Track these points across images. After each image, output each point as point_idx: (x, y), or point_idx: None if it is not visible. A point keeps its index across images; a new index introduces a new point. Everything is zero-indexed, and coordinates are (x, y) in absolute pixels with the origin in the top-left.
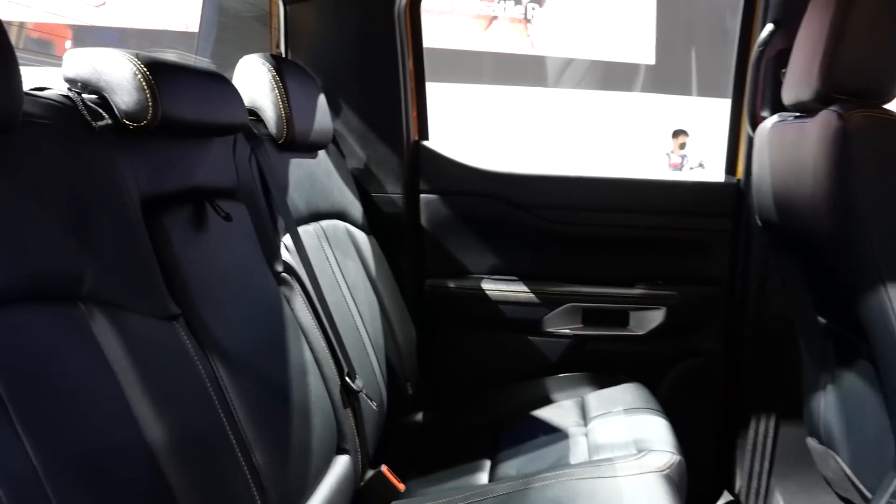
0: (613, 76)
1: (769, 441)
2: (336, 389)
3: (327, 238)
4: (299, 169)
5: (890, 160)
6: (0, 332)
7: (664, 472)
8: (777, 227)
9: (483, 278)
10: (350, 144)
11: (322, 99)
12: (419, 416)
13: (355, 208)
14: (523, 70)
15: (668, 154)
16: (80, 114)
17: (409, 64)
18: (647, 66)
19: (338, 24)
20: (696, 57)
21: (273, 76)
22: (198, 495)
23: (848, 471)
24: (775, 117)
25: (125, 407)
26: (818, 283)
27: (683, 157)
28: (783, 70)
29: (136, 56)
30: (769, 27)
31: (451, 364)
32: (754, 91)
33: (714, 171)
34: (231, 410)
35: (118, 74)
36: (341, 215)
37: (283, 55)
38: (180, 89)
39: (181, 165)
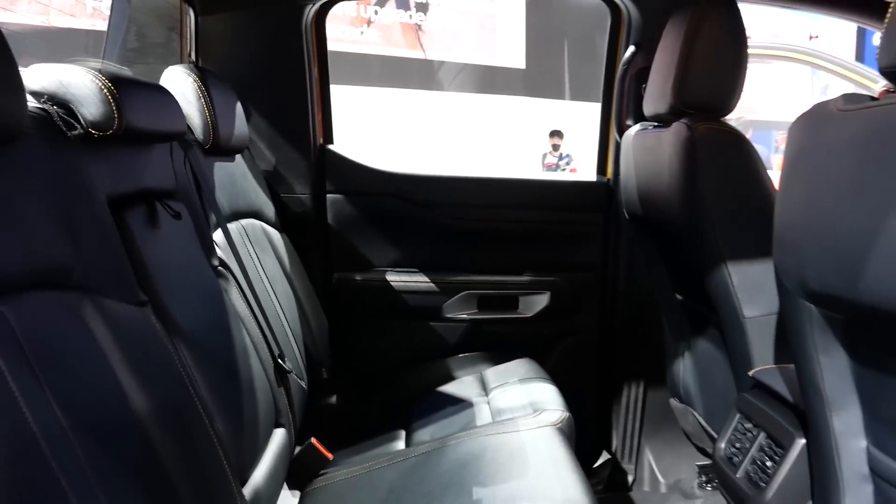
0: (488, 80)
1: (639, 405)
2: (270, 370)
3: (248, 235)
4: (222, 171)
5: (728, 163)
6: (21, 314)
7: (557, 426)
8: (641, 219)
9: (387, 270)
10: (260, 148)
11: (239, 106)
12: (333, 399)
13: (269, 208)
14: (403, 73)
15: (544, 154)
16: (55, 123)
17: (315, 72)
18: (519, 71)
19: (248, 36)
20: (561, 63)
21: (199, 86)
22: (177, 456)
23: (703, 422)
24: (638, 126)
25: (115, 381)
26: (675, 265)
27: (560, 156)
28: (643, 86)
29: (100, 71)
30: (631, 49)
31: (361, 350)
32: (620, 103)
33: (586, 171)
34: (195, 385)
35: (84, 88)
36: (257, 214)
37: (195, 63)
38: (136, 101)
39: (133, 169)
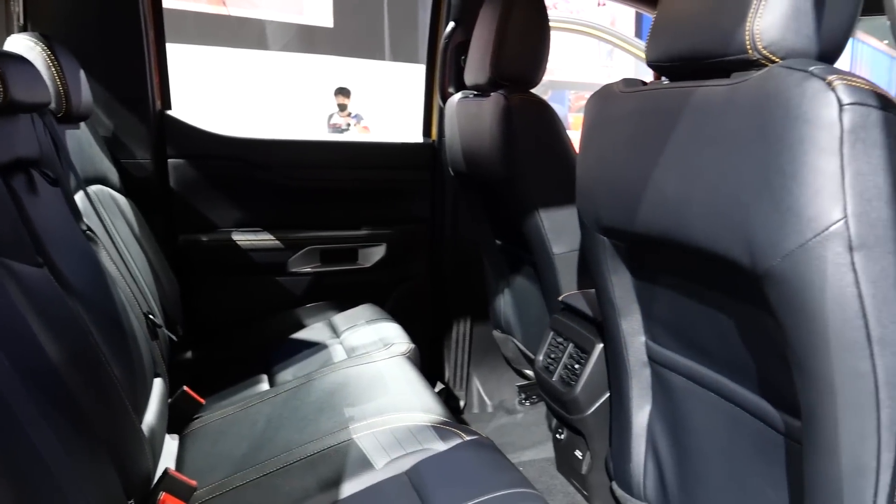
0: (294, 38)
1: (467, 338)
2: (143, 326)
3: (100, 201)
4: (72, 139)
5: (538, 128)
6: None
7: (407, 355)
8: (465, 175)
9: (232, 231)
10: (99, 115)
11: (83, 73)
12: (189, 354)
13: (113, 174)
14: (203, 29)
15: (330, 115)
16: None
17: (151, 35)
18: (327, 30)
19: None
20: (372, 24)
21: (48, 55)
22: (91, 398)
23: (521, 347)
24: (459, 94)
25: (33, 333)
26: (495, 215)
27: (350, 115)
28: (463, 57)
29: None
30: (451, 24)
31: (212, 306)
32: (443, 73)
33: (379, 132)
34: (93, 337)
35: None
36: (104, 181)
37: (25, 29)
38: (15, 74)
39: (9, 139)
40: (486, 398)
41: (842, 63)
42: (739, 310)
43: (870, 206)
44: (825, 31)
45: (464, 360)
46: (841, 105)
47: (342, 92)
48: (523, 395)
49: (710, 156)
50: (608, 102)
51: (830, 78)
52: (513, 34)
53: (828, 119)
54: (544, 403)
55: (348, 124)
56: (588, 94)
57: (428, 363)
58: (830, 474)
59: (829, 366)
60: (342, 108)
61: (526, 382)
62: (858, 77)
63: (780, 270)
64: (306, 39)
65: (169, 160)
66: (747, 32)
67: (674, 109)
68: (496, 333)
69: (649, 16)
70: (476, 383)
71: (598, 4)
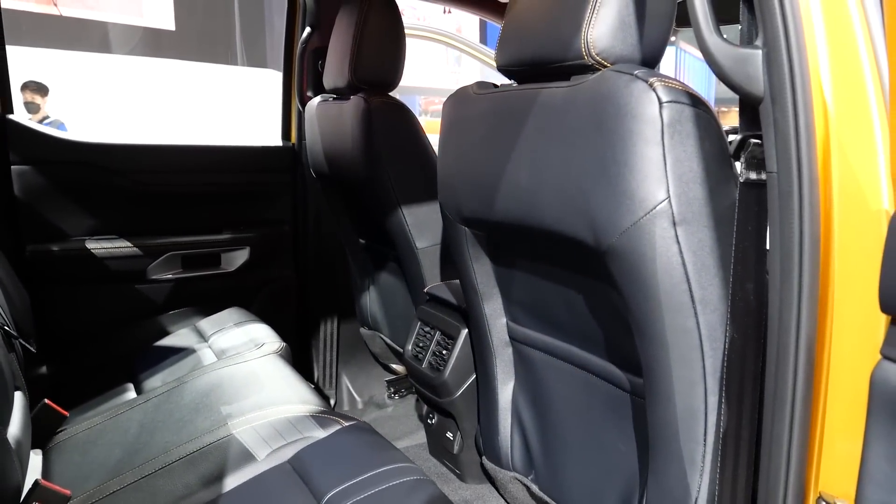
0: (141, 41)
1: (334, 337)
2: None
3: None
4: None
5: (397, 129)
6: None
7: (279, 353)
8: (327, 177)
9: (85, 239)
10: None
11: None
12: (44, 369)
13: None
14: (31, 30)
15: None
16: None
17: None
18: (169, 32)
19: None
20: (221, 27)
21: None
22: None
23: (389, 341)
24: (319, 98)
25: None
26: (358, 214)
27: (45, 120)
28: (321, 62)
29: None
30: (308, 30)
31: (68, 318)
32: (301, 77)
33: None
34: None
35: None
36: None
37: None
38: None
39: None
40: (355, 395)
41: (668, 70)
42: (587, 285)
43: (687, 187)
44: (646, 40)
45: (332, 359)
46: (661, 103)
47: (30, 86)
48: (392, 389)
49: (555, 149)
50: (464, 104)
51: (652, 80)
52: (370, 40)
53: (650, 115)
54: (414, 394)
55: None
56: (438, 99)
57: (296, 364)
58: (668, 419)
59: (663, 325)
60: (30, 107)
61: (394, 377)
62: (674, 80)
63: (618, 246)
64: (150, 43)
65: (12, 167)
66: (582, 41)
67: (522, 109)
68: (363, 330)
69: (493, 24)
70: (345, 381)
71: (445, 12)
